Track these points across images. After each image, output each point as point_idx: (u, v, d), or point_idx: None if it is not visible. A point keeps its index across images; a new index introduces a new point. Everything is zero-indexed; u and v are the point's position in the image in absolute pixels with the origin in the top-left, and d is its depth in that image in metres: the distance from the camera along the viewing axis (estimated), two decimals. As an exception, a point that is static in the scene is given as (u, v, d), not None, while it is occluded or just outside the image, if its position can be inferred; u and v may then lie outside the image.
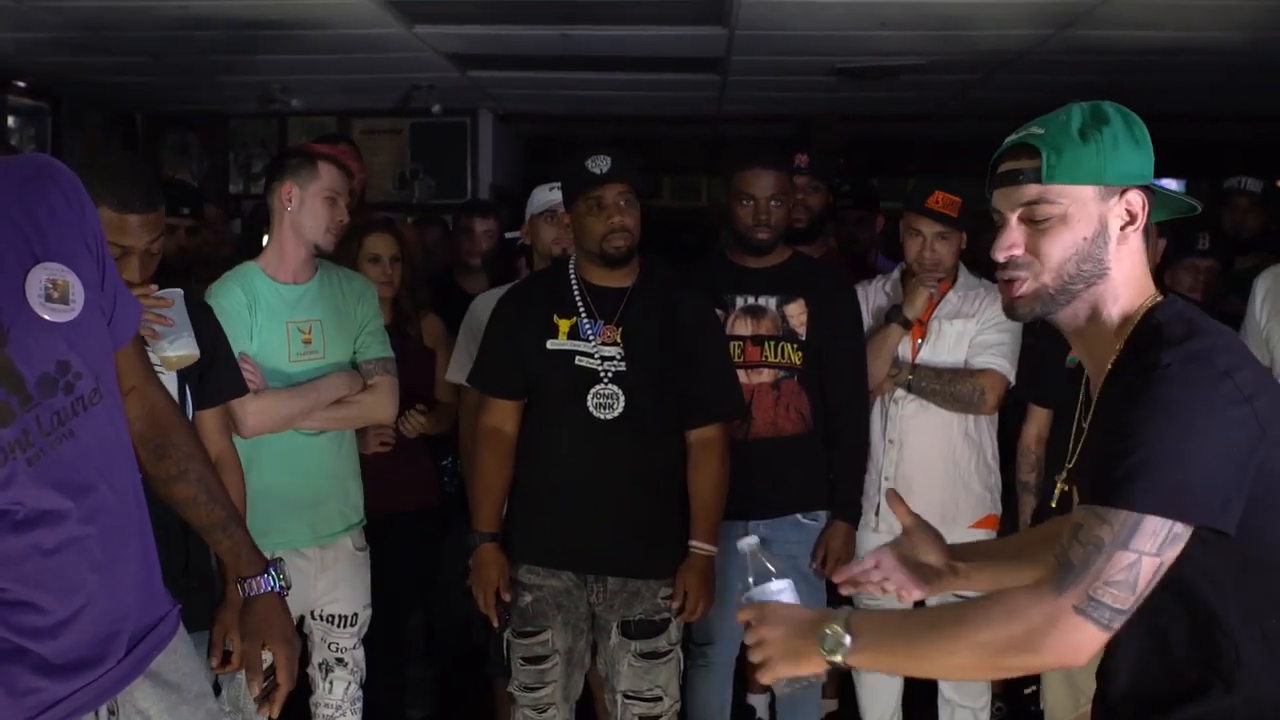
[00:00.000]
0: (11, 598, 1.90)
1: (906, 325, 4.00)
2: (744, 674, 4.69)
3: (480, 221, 5.33)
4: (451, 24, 5.66)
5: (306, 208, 3.54)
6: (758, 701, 4.90)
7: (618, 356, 3.43)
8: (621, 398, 3.42)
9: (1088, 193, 1.89)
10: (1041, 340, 3.97)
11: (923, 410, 4.01)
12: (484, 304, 4.07)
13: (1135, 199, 1.90)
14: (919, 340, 4.05)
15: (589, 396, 3.42)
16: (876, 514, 4.05)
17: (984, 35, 5.67)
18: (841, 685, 4.72)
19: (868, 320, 4.11)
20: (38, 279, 1.89)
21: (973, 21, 5.40)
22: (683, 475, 3.55)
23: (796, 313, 3.94)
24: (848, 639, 1.87)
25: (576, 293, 3.51)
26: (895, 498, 2.38)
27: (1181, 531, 1.73)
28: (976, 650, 1.79)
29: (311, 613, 3.65)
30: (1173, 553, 1.73)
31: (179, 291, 3.03)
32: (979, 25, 5.46)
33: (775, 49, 6.10)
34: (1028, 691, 4.46)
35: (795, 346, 3.92)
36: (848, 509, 3.98)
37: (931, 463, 4.01)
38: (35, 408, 1.87)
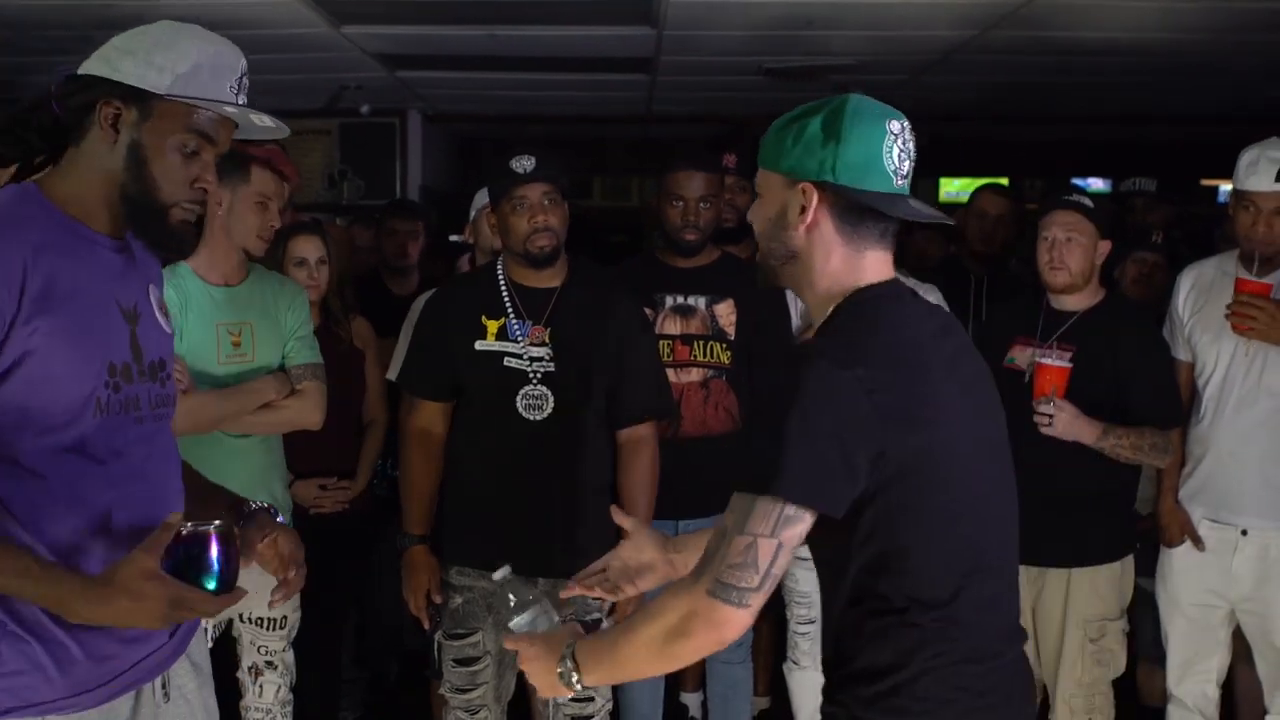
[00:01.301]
0: (95, 564, 2.00)
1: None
2: (676, 672, 4.71)
3: (402, 222, 5.30)
4: (379, 24, 5.64)
5: (236, 213, 3.51)
6: (690, 700, 4.91)
7: (546, 357, 3.43)
8: (551, 398, 3.42)
9: (775, 179, 2.06)
10: (982, 340, 4.01)
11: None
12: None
13: (809, 192, 2.01)
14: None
15: (518, 398, 3.41)
16: (807, 512, 4.07)
17: (911, 35, 5.72)
18: (773, 683, 4.74)
19: (796, 321, 4.12)
20: (155, 294, 2.23)
21: (899, 22, 5.44)
22: (612, 475, 3.56)
23: (725, 312, 3.95)
24: (575, 675, 2.05)
25: (505, 293, 3.50)
26: (618, 511, 2.60)
27: (793, 513, 1.87)
28: (650, 645, 1.96)
29: (240, 616, 3.61)
30: (791, 533, 1.88)
31: None
32: (905, 25, 5.51)
33: (703, 49, 6.13)
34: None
35: (724, 346, 3.94)
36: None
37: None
38: (147, 383, 2.12)
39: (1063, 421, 3.61)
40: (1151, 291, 4.61)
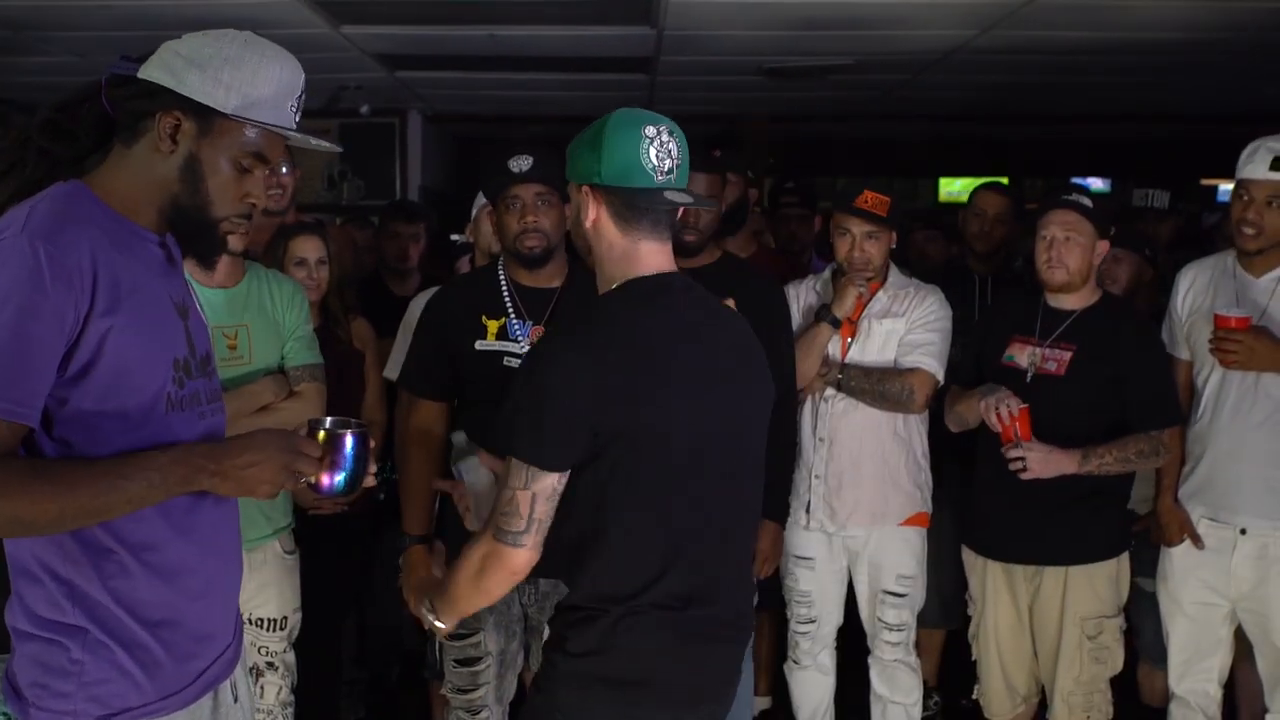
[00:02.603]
0: (173, 559, 2.04)
1: (836, 324, 4.02)
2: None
3: (405, 226, 5.29)
4: (378, 24, 5.65)
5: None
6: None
7: (548, 357, 3.43)
8: (553, 399, 3.42)
9: (572, 186, 2.45)
10: (981, 338, 4.02)
11: (853, 409, 4.03)
12: (422, 304, 4.05)
13: (586, 193, 2.39)
14: (849, 339, 4.07)
15: (520, 398, 3.41)
16: (807, 512, 4.08)
17: (910, 35, 5.73)
18: (775, 683, 4.74)
19: (798, 319, 4.13)
20: (192, 290, 2.27)
21: (899, 22, 5.45)
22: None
23: (726, 312, 3.94)
24: (431, 616, 2.58)
25: (505, 293, 3.50)
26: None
27: (534, 472, 2.28)
28: (466, 583, 2.42)
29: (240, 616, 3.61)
30: (540, 485, 2.28)
31: None
32: (905, 25, 5.51)
33: (703, 49, 6.13)
34: (965, 702, 4.50)
35: (725, 346, 3.92)
36: (776, 509, 3.99)
37: (861, 461, 4.04)
38: (202, 378, 2.16)
39: (1036, 461, 3.65)
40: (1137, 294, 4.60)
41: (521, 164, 3.38)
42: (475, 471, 2.90)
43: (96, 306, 1.90)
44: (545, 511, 2.30)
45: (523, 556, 2.33)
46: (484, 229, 4.29)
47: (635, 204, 2.37)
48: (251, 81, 2.04)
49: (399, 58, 6.53)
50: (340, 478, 2.12)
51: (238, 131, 2.05)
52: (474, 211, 4.43)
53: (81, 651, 1.95)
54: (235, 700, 2.23)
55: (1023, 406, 3.65)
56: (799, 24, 5.50)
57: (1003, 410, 3.67)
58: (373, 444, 2.19)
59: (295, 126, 2.13)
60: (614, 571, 2.36)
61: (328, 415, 2.33)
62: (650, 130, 2.36)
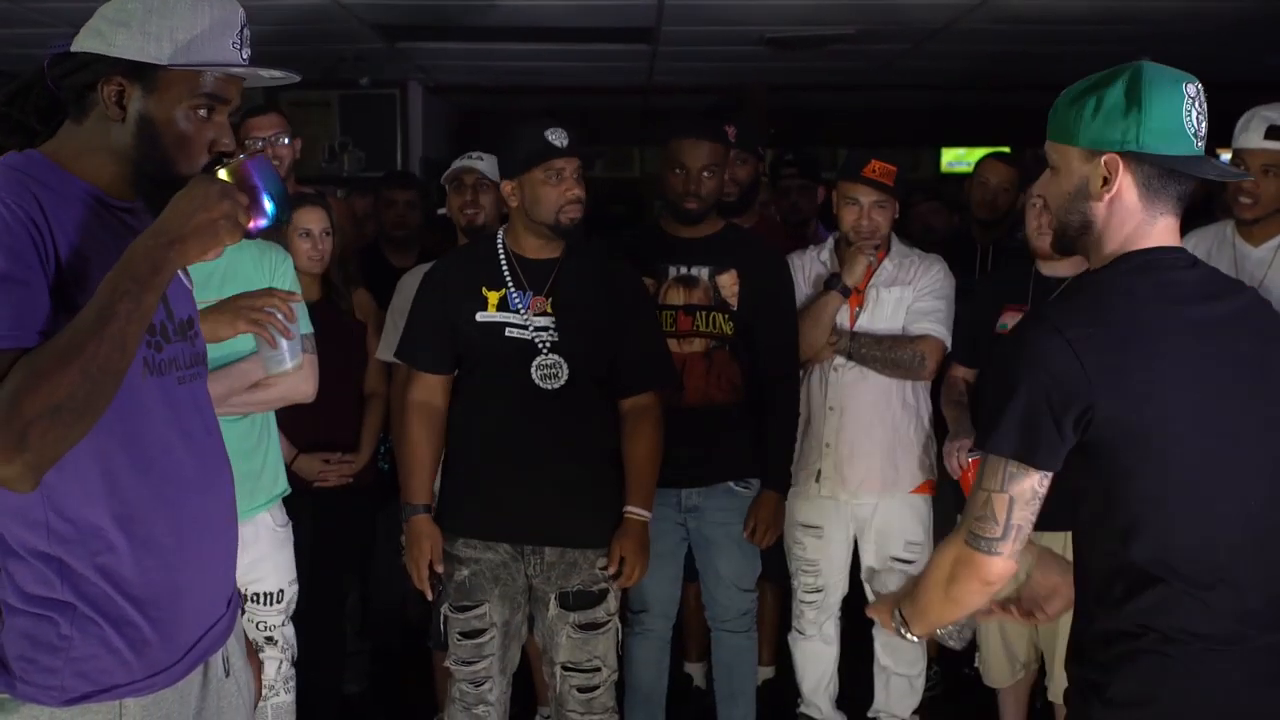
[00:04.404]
0: (162, 533, 2.00)
1: (846, 293, 4.01)
2: (682, 642, 4.73)
3: (400, 192, 5.28)
4: (378, -7, 5.62)
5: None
6: (694, 670, 4.93)
7: (551, 327, 3.43)
8: (565, 367, 3.42)
9: (1073, 152, 2.08)
10: (974, 307, 4.01)
11: (862, 378, 4.04)
12: (412, 280, 4.04)
13: (1114, 163, 2.03)
14: (857, 308, 4.07)
15: (533, 368, 3.42)
16: (817, 480, 4.08)
17: (911, 4, 5.70)
18: (778, 652, 4.75)
19: (806, 289, 4.12)
20: None
21: (901, -10, 5.43)
22: (616, 444, 3.56)
23: (729, 283, 3.94)
24: (904, 628, 2.33)
25: (504, 264, 3.50)
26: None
27: (1016, 470, 2.01)
28: (936, 591, 2.18)
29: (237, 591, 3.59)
30: (1019, 488, 2.01)
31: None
32: (907, -6, 5.49)
33: (704, 18, 6.10)
34: (967, 671, 4.52)
35: (727, 317, 3.93)
36: (778, 479, 4.00)
37: (871, 429, 4.04)
38: (181, 342, 2.11)
39: None
40: None
41: (561, 138, 3.41)
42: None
43: (60, 262, 1.86)
44: (1023, 518, 2.04)
45: (999, 566, 2.07)
46: (452, 202, 4.46)
47: (1173, 173, 2.05)
48: (181, 27, 1.96)
49: (398, 28, 6.49)
50: (267, 202, 1.99)
51: (184, 81, 1.97)
52: (446, 187, 4.48)
53: (70, 627, 1.92)
54: (227, 674, 2.20)
55: (974, 459, 3.62)
56: (801, -8, 5.48)
57: (959, 459, 3.68)
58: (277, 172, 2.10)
59: (245, 62, 2.05)
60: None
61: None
62: (1190, 89, 2.04)
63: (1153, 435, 1.98)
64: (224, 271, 3.49)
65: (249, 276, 3.52)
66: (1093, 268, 2.13)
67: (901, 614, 2.32)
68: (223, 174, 1.98)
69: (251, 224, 1.97)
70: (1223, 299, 2.09)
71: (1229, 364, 2.04)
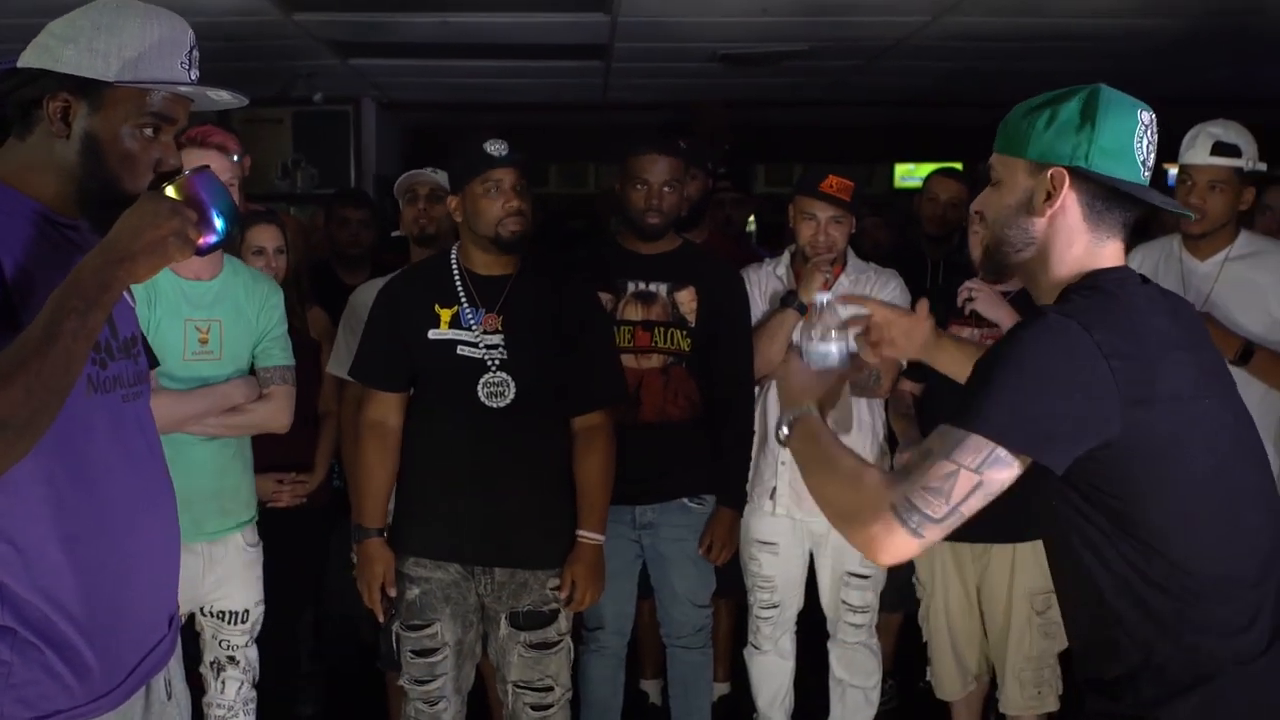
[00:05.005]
0: (103, 554, 1.98)
1: (801, 310, 4.01)
2: (637, 659, 4.72)
3: (353, 210, 5.27)
4: (330, 11, 5.60)
5: None
6: (650, 687, 4.92)
7: (501, 345, 3.42)
8: (512, 385, 3.41)
9: (1019, 164, 2.03)
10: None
11: (817, 394, 4.04)
12: (363, 296, 4.03)
13: (1060, 177, 1.99)
14: (813, 325, 4.07)
15: (479, 386, 3.40)
16: (772, 498, 4.08)
17: (864, 21, 5.73)
18: (733, 668, 4.75)
19: (761, 305, 4.13)
20: None
21: (853, 8, 5.45)
22: (568, 463, 3.55)
23: (687, 299, 3.95)
24: (784, 429, 2.16)
25: (458, 281, 3.49)
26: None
27: (1004, 456, 1.84)
28: (831, 491, 2.00)
29: (201, 609, 3.57)
30: (994, 475, 1.84)
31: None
32: (859, 11, 5.52)
33: (658, 35, 6.11)
34: (921, 684, 4.53)
35: (684, 333, 3.93)
36: (733, 497, 4.00)
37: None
38: (125, 359, 2.09)
39: (985, 299, 3.79)
40: None
41: (499, 148, 3.38)
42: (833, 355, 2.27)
43: (5, 279, 1.85)
44: (972, 508, 1.87)
45: (908, 549, 1.88)
46: (405, 215, 4.47)
47: (1117, 197, 2.00)
48: (129, 44, 1.95)
49: (351, 45, 6.48)
50: (216, 218, 1.97)
51: (130, 99, 1.96)
52: (400, 201, 4.50)
53: (10, 652, 1.88)
54: (169, 697, 2.18)
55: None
56: (754, 10, 5.49)
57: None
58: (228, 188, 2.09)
59: (192, 82, 2.04)
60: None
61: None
62: (1145, 117, 2.01)
63: (1176, 447, 1.90)
64: (216, 293, 3.48)
65: (239, 304, 3.51)
66: (1041, 296, 2.07)
67: (801, 423, 2.14)
68: (170, 190, 1.96)
69: (201, 240, 1.95)
70: (1179, 314, 2.07)
71: (1213, 377, 2.03)
